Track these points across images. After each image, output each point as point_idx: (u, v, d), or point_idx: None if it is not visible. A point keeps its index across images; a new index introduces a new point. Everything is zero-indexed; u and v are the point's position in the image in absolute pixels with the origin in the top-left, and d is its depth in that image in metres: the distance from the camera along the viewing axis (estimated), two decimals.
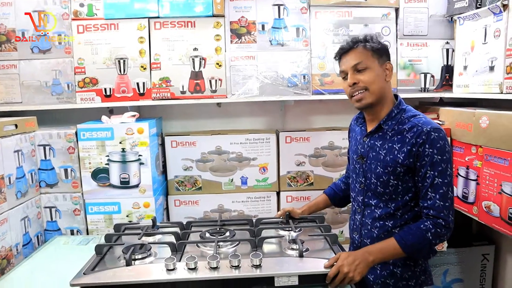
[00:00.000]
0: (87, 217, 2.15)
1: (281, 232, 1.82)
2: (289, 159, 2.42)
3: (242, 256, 1.46)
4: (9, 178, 1.85)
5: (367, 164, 1.61)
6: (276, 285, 1.43)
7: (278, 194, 2.45)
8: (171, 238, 1.73)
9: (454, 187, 2.19)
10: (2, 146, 1.81)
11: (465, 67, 2.21)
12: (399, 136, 1.53)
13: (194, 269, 1.43)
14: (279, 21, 2.27)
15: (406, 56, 2.37)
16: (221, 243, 1.65)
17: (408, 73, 2.38)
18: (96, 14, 2.20)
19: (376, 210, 1.60)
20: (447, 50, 2.38)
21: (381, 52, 1.56)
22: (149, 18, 2.22)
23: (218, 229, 1.80)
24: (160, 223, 1.96)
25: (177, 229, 1.87)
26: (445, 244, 2.32)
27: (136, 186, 2.14)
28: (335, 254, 1.54)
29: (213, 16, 2.23)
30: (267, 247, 1.65)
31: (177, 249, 1.61)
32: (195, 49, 2.23)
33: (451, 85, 2.36)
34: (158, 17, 2.21)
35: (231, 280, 1.42)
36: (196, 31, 2.24)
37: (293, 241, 1.62)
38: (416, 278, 1.58)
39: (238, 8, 2.25)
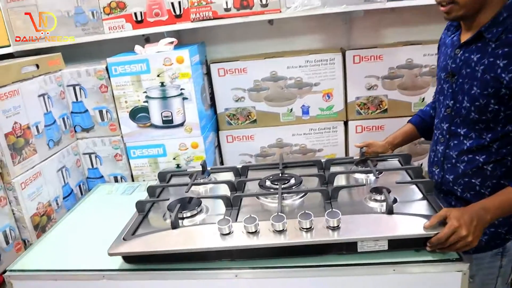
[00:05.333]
0: (130, 162, 1.91)
1: (357, 176, 1.48)
2: (358, 83, 2.02)
3: (314, 213, 1.14)
4: (37, 127, 1.61)
5: (458, 83, 1.24)
6: (359, 250, 1.12)
7: (345, 123, 2.10)
8: (225, 188, 1.45)
9: None
10: (23, 91, 1.54)
11: None
12: (506, 49, 1.11)
13: (255, 232, 1.14)
14: None
15: None
16: (284, 194, 1.35)
17: None
18: None
19: (465, 141, 1.25)
20: None
21: None
22: None
23: (280, 175, 1.48)
24: (211, 168, 1.68)
25: (231, 176, 1.59)
26: None
27: (181, 124, 1.85)
28: (434, 208, 1.19)
29: None
30: (341, 197, 1.32)
31: (232, 204, 1.33)
32: None
33: None
34: None
35: (301, 247, 1.13)
36: None
37: (377, 190, 1.28)
38: (509, 225, 1.25)
39: None
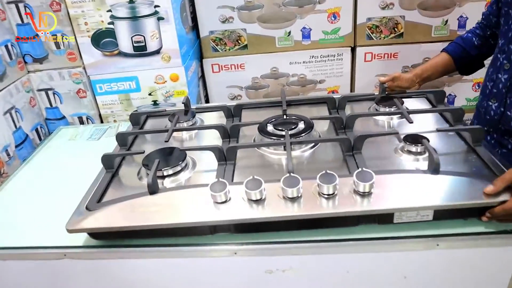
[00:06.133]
0: (96, 99, 1.58)
1: (379, 119, 1.20)
2: (370, 0, 1.68)
3: (331, 169, 0.86)
4: None
5: None
6: (395, 221, 0.87)
7: (353, 50, 1.79)
8: (215, 135, 1.16)
9: None
10: None
11: None
12: None
13: (260, 200, 0.87)
14: None
15: None
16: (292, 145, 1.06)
17: None
18: None
19: None
20: None
21: None
22: None
23: (284, 117, 1.19)
24: (197, 107, 1.37)
25: (221, 117, 1.29)
26: None
27: (157, 52, 1.52)
28: (488, 164, 0.92)
29: None
30: (363, 148, 1.04)
31: (227, 157, 1.04)
32: None
33: None
34: None
35: (320, 219, 0.87)
36: None
37: (412, 139, 1.00)
38: None
39: None
